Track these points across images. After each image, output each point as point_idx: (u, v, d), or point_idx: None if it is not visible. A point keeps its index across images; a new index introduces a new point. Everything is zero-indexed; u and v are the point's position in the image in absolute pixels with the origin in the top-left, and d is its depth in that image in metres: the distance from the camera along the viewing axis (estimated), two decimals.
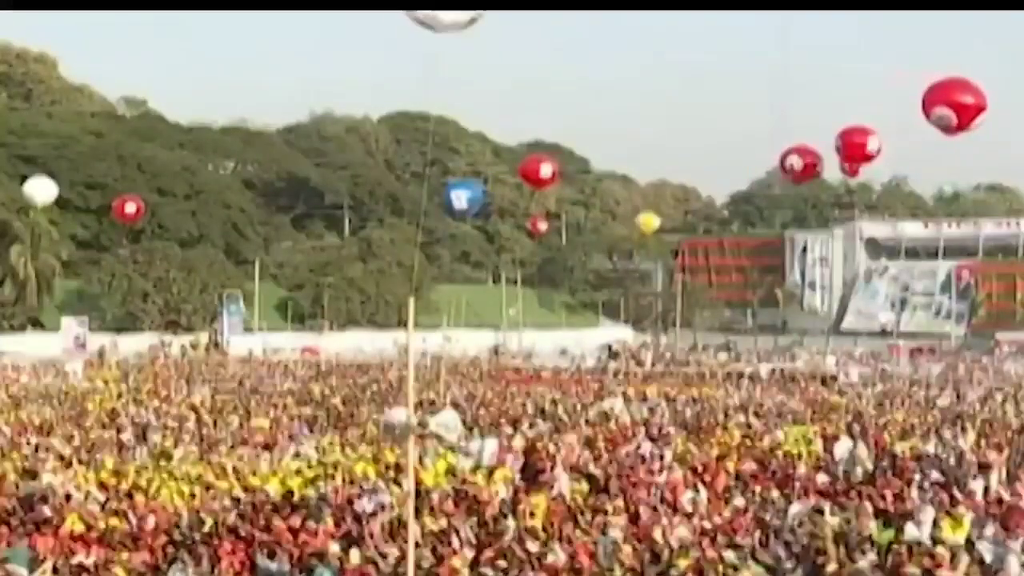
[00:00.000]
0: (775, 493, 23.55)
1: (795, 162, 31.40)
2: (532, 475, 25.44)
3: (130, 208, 48.88)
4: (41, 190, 48.99)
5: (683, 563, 17.31)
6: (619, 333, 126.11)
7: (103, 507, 21.97)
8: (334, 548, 18.11)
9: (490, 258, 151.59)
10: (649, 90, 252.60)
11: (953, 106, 24.28)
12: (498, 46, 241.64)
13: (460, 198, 37.68)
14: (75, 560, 18.39)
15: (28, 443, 31.75)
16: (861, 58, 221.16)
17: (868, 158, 30.47)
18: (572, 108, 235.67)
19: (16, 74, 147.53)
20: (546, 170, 38.04)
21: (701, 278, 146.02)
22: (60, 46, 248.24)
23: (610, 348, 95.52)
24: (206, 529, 20.25)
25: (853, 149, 30.07)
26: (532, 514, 20.99)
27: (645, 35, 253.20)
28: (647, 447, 29.83)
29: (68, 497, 22.95)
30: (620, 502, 22.20)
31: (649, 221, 73.54)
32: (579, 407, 42.06)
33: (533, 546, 18.36)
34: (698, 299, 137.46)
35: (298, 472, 26.53)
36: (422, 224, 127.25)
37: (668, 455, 28.58)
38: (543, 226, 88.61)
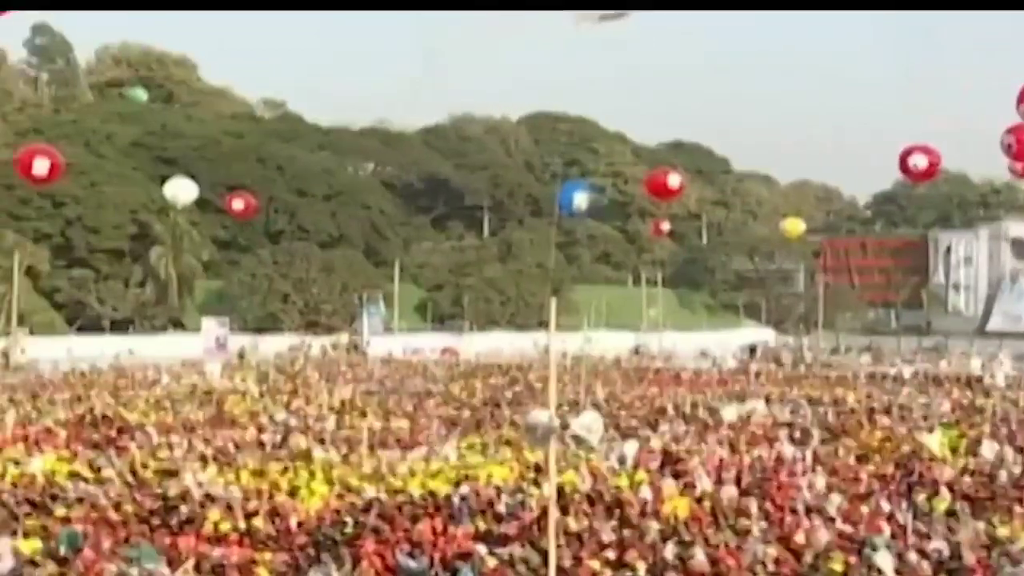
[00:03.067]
0: (920, 497, 23.30)
1: (919, 161, 30.87)
2: (673, 476, 25.40)
3: (238, 205, 49.33)
4: (182, 191, 49.53)
5: (829, 566, 17.21)
6: (760, 334, 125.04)
7: (245, 507, 22.22)
8: (480, 549, 18.23)
9: (630, 259, 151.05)
10: (790, 89, 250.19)
11: None
12: (638, 46, 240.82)
13: (578, 199, 37.55)
14: (216, 559, 18.66)
15: (170, 444, 32.21)
16: (1008, 54, 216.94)
17: None
18: (712, 108, 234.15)
19: (157, 77, 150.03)
20: (674, 181, 37.56)
21: (843, 279, 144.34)
22: (200, 49, 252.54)
23: (751, 349, 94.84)
24: (347, 530, 20.40)
25: None
26: (674, 516, 20.97)
27: (785, 34, 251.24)
28: (789, 449, 29.66)
29: (209, 497, 23.25)
30: (762, 504, 22.10)
31: (795, 226, 72.64)
32: (720, 409, 41.81)
33: (675, 548, 18.35)
34: (840, 300, 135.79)
35: (439, 473, 26.67)
36: (561, 225, 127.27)
37: (810, 457, 28.38)
38: (665, 227, 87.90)
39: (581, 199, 37.16)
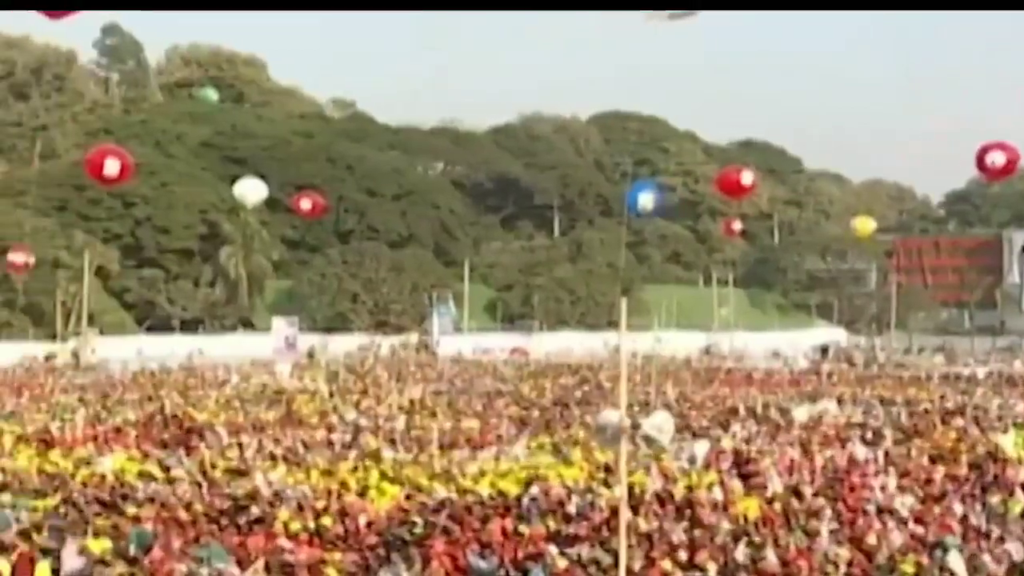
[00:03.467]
0: (995, 499, 23.08)
1: (997, 159, 30.55)
2: (744, 477, 25.29)
3: (305, 204, 49.37)
4: (251, 191, 49.69)
5: (901, 568, 17.10)
6: (832, 334, 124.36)
7: (314, 507, 22.29)
8: (551, 549, 18.22)
9: (701, 258, 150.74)
10: (862, 87, 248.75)
11: None
12: (707, 44, 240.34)
13: (643, 199, 37.43)
14: (286, 559, 18.72)
15: (239, 443, 32.36)
16: None
17: None
18: (783, 106, 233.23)
19: (227, 77, 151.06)
20: (747, 178, 37.25)
21: (916, 279, 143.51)
22: (269, 49, 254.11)
23: (823, 349, 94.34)
24: (417, 530, 20.42)
25: None
26: (744, 517, 20.88)
27: (858, 32, 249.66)
28: (861, 450, 29.45)
29: (279, 496, 23.34)
30: (834, 506, 21.98)
31: (865, 225, 72.13)
32: (792, 409, 41.58)
33: (746, 549, 18.28)
34: (913, 300, 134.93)
35: (508, 473, 26.65)
36: (631, 224, 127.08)
37: (882, 458, 28.18)
38: (737, 227, 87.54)
39: (646, 199, 37.08)
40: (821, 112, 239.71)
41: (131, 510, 21.70)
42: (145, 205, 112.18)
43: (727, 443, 29.99)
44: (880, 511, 21.87)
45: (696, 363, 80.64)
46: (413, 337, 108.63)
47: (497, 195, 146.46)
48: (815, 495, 23.43)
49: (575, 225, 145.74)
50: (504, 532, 19.85)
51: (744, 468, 26.30)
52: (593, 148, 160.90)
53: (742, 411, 41.33)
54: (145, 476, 26.24)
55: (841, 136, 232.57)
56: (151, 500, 22.91)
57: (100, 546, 18.50)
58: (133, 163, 31.70)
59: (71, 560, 17.81)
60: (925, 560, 17.70)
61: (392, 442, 33.03)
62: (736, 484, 24.44)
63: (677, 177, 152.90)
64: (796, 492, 23.66)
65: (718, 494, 23.34)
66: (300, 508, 22.08)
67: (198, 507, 22.35)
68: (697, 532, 19.65)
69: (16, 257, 67.36)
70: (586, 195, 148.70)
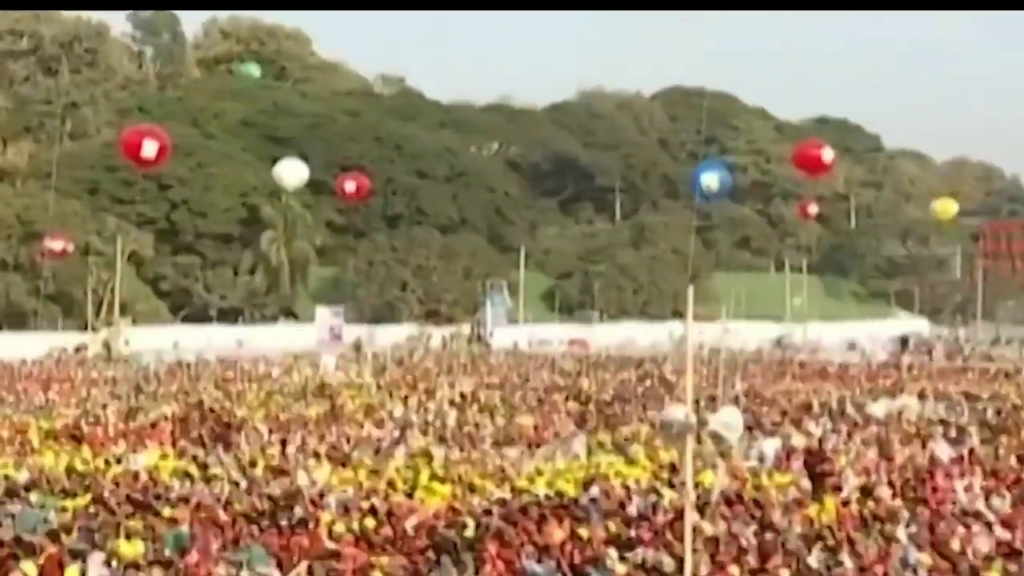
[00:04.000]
0: None
1: None
2: (818, 477, 25.21)
3: (350, 187, 49.24)
4: (292, 173, 49.84)
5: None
6: (913, 325, 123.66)
7: (360, 507, 22.36)
8: (611, 553, 18.23)
9: (772, 244, 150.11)
10: (946, 61, 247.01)
11: None
12: (778, 15, 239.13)
13: (706, 179, 37.20)
14: (330, 562, 18.80)
15: (281, 440, 32.52)
16: None
17: None
18: (861, 81, 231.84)
19: (268, 52, 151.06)
20: (828, 155, 37.00)
21: (1004, 265, 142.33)
22: (313, 22, 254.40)
23: (904, 341, 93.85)
24: (469, 533, 20.44)
25: None
26: (818, 519, 20.83)
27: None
28: (944, 449, 29.33)
29: (323, 496, 23.45)
30: (914, 508, 21.89)
31: (947, 207, 71.69)
32: (869, 405, 41.43)
33: (820, 554, 18.23)
34: (1001, 288, 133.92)
35: (567, 473, 26.69)
36: (698, 208, 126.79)
37: (967, 458, 28.05)
38: (813, 210, 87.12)
39: (710, 179, 36.87)
40: (901, 86, 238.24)
41: (166, 511, 21.87)
42: (181, 187, 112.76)
43: (800, 441, 29.94)
44: (964, 514, 21.77)
45: (767, 356, 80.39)
46: (465, 328, 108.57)
47: (555, 176, 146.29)
48: (894, 497, 23.36)
49: (638, 208, 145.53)
50: (562, 535, 19.88)
51: (818, 468, 26.19)
52: (657, 126, 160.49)
53: (816, 407, 41.25)
54: (181, 475, 26.46)
55: (923, 112, 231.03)
56: (187, 500, 23.09)
57: (133, 549, 18.65)
58: (171, 144, 31.89)
59: (97, 570, 17.95)
60: (1013, 567, 17.62)
61: (442, 439, 33.15)
62: (809, 485, 24.40)
63: (747, 156, 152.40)
64: (873, 493, 23.59)
65: (790, 495, 23.31)
66: (345, 509, 22.19)
67: (237, 507, 22.49)
68: (767, 536, 19.62)
69: (54, 244, 67.83)
70: (650, 176, 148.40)
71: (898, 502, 22.63)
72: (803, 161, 38.78)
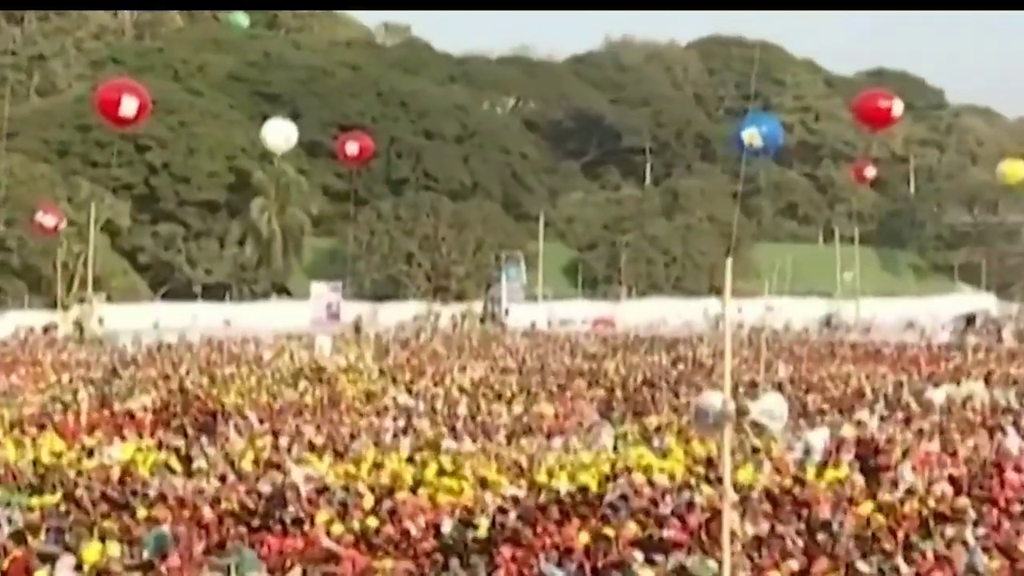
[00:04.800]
0: None
1: None
2: (871, 472, 25.20)
3: (352, 148, 49.05)
4: (279, 135, 49.76)
5: None
6: (979, 301, 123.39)
7: (361, 506, 22.39)
8: (637, 556, 18.25)
9: (821, 211, 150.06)
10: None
11: None
12: None
13: (748, 135, 36.89)
14: (327, 566, 18.82)
15: (273, 431, 32.56)
16: None
17: None
18: (922, 29, 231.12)
19: None
20: (898, 108, 36.74)
21: None
22: None
23: (969, 319, 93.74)
24: (481, 533, 20.48)
25: None
26: (872, 519, 20.81)
27: None
28: (1014, 440, 29.28)
29: (320, 493, 23.49)
30: (980, 506, 21.86)
31: (1017, 170, 71.43)
32: (929, 391, 41.37)
33: (873, 557, 18.23)
34: None
35: (591, 467, 26.70)
36: (738, 170, 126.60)
37: None
38: (870, 173, 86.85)
39: (752, 135, 36.56)
40: (967, 36, 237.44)
41: (144, 509, 21.91)
42: (162, 149, 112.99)
43: (851, 432, 29.86)
44: None
45: (815, 336, 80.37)
46: (477, 306, 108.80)
47: (578, 136, 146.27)
48: (957, 493, 23.33)
49: (670, 172, 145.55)
50: (585, 536, 19.89)
51: (871, 461, 26.22)
52: (692, 79, 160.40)
53: (869, 393, 41.20)
54: (161, 469, 26.51)
55: (992, 64, 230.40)
56: (168, 497, 23.13)
57: (108, 552, 18.68)
58: (151, 101, 31.89)
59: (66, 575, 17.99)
60: None
61: (452, 430, 33.18)
62: (861, 480, 24.38)
63: (794, 114, 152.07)
64: (934, 490, 23.57)
65: (840, 492, 23.30)
66: (344, 507, 22.21)
67: (224, 506, 22.54)
68: (814, 538, 19.62)
69: (46, 219, 67.60)
70: (684, 136, 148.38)
71: (962, 500, 22.59)
72: (866, 114, 38.47)
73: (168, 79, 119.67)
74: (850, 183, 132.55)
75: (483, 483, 24.86)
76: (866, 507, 21.60)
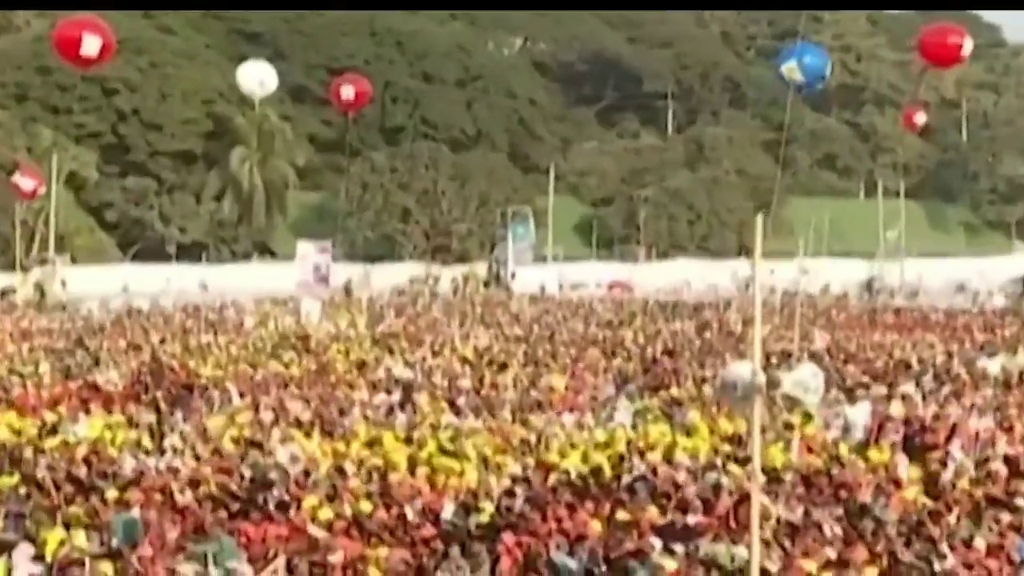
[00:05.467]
0: None
1: None
2: (917, 452, 25.24)
3: (347, 93, 48.94)
4: (254, 79, 49.56)
5: None
6: None
7: (352, 488, 22.44)
8: (656, 543, 18.30)
9: (863, 162, 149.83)
10: None
11: None
12: None
13: (787, 68, 36.71)
14: (315, 555, 18.88)
15: (255, 405, 32.62)
16: None
17: None
18: None
19: None
20: (968, 45, 36.64)
21: None
22: None
23: None
24: (484, 519, 20.52)
25: None
26: (917, 504, 20.85)
27: None
28: None
29: (307, 474, 23.55)
30: None
31: None
32: (983, 361, 41.40)
33: (917, 546, 18.27)
34: None
35: (606, 445, 26.75)
36: (770, 117, 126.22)
37: None
38: (921, 119, 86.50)
39: (792, 68, 36.41)
40: None
41: (113, 492, 21.96)
42: (131, 93, 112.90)
43: (896, 407, 29.90)
44: None
45: (855, 301, 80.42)
46: (481, 267, 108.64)
47: (593, 80, 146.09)
48: (1013, 475, 23.36)
49: (695, 119, 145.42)
50: (599, 522, 19.94)
51: (918, 440, 26.25)
52: (719, 17, 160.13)
53: (915, 364, 41.24)
54: (131, 447, 26.57)
55: None
56: (139, 479, 23.20)
57: (72, 539, 18.74)
58: (115, 40, 31.83)
59: (25, 567, 18.04)
60: None
61: (453, 404, 33.22)
62: (906, 461, 24.42)
63: (833, 54, 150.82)
64: (985, 470, 23.60)
65: (883, 474, 23.33)
66: (334, 490, 22.28)
67: (201, 488, 22.60)
68: (854, 523, 19.66)
69: (24, 182, 67.52)
70: (710, 79, 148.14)
71: (1018, 482, 22.63)
72: (931, 51, 38.27)
73: (137, 16, 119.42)
74: (895, 131, 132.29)
75: (487, 463, 24.93)
76: (911, 490, 21.64)
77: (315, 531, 19.71)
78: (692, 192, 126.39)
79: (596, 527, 19.59)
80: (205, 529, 20.12)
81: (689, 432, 27.71)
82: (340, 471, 23.76)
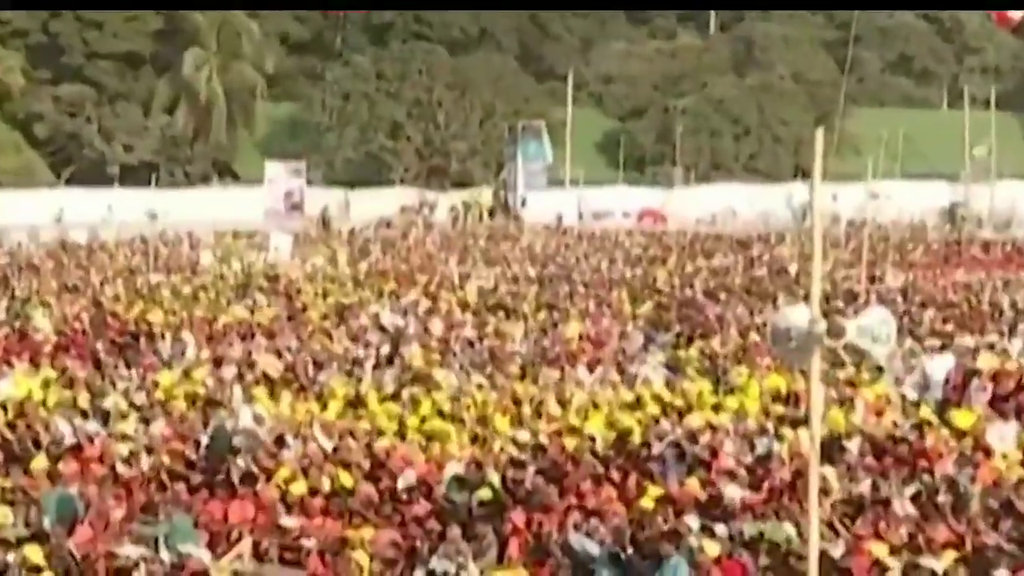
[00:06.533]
0: None
1: None
2: (1011, 414, 25.20)
3: None
4: None
5: None
6: None
7: (331, 458, 22.44)
8: (693, 524, 18.28)
9: (946, 65, 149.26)
10: None
11: None
12: None
13: None
14: (289, 536, 18.91)
15: (214, 358, 32.63)
16: None
17: None
18: None
19: None
20: None
21: None
22: None
23: None
24: (488, 493, 20.49)
25: None
26: (1005, 476, 20.80)
27: None
28: None
29: (279, 441, 23.56)
30: None
31: None
32: None
33: (1007, 525, 18.25)
34: None
35: (634, 405, 26.74)
36: (832, 13, 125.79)
37: None
38: (1016, 15, 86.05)
39: None
40: None
41: (43, 462, 21.99)
42: None
43: (984, 360, 29.87)
44: None
45: (934, 232, 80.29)
46: (486, 193, 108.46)
47: None
48: None
49: (742, 16, 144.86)
50: (626, 497, 19.95)
51: (1008, 400, 26.21)
52: None
53: (1007, 309, 41.20)
54: (66, 409, 26.56)
55: None
56: (76, 447, 23.22)
57: None
58: None
59: None
60: None
61: (451, 357, 33.23)
62: (997, 426, 24.39)
63: None
64: None
65: (967, 441, 23.30)
66: (308, 460, 22.30)
67: (151, 458, 22.62)
68: (932, 499, 19.66)
69: None
70: None
71: None
72: None
73: None
74: (985, 27, 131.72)
75: (493, 429, 24.95)
76: (1002, 461, 21.61)
77: (285, 516, 19.74)
78: (739, 102, 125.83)
79: (622, 503, 19.61)
80: (155, 507, 20.15)
81: (733, 390, 27.76)
82: (316, 437, 23.78)
